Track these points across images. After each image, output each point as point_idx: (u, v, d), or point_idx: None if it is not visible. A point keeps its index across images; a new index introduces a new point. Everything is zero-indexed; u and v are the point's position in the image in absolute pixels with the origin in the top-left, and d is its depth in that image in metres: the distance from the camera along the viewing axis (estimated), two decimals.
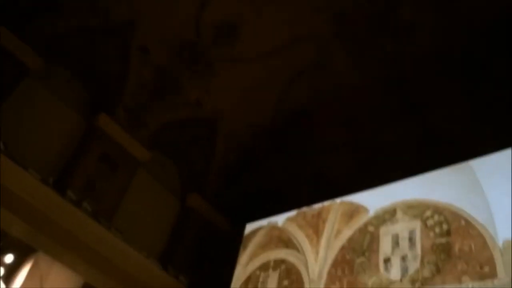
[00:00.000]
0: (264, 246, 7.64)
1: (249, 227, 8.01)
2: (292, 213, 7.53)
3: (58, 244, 6.70)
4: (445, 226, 5.48)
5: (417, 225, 5.81)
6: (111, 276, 7.34)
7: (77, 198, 7.09)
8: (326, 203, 7.15)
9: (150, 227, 8.47)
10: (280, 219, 7.66)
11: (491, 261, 4.86)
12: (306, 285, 6.53)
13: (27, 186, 6.50)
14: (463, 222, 5.32)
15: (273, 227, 7.65)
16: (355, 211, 6.67)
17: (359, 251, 6.21)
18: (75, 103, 8.13)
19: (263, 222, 7.86)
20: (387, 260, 5.84)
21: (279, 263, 7.18)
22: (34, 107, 7.48)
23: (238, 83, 8.47)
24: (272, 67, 8.11)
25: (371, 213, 6.44)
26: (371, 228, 6.31)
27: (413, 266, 5.50)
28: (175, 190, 9.28)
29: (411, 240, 5.74)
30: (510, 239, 4.84)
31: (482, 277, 4.82)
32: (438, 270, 5.23)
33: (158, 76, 8.41)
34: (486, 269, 4.84)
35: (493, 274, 4.77)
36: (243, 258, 7.78)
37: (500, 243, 4.90)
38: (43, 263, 6.43)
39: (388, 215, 6.22)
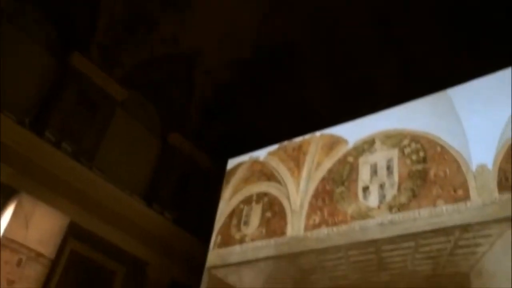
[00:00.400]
0: (247, 181, 7.76)
1: (231, 163, 8.09)
2: (273, 147, 7.60)
3: (40, 185, 6.71)
4: (421, 154, 5.62)
5: (394, 154, 5.94)
6: (97, 214, 7.46)
7: (55, 139, 7.01)
8: (307, 136, 7.22)
9: (132, 166, 8.50)
10: (261, 154, 7.74)
11: (464, 185, 5.06)
12: (288, 215, 6.73)
13: (3, 128, 6.38)
14: (439, 149, 5.47)
15: (255, 161, 7.74)
16: (335, 143, 6.77)
17: (339, 181, 6.37)
18: (47, 42, 7.80)
19: (245, 157, 7.93)
20: (365, 189, 6.01)
21: (261, 196, 7.33)
22: (4, 48, 7.16)
23: (216, 17, 8.21)
24: None
25: (351, 144, 6.55)
26: (350, 159, 6.43)
27: (391, 193, 5.69)
28: (155, 130, 9.24)
29: (389, 168, 5.90)
30: (483, 164, 5.02)
31: (455, 200, 5.03)
32: (414, 196, 5.43)
33: (131, 11, 8.07)
34: (460, 192, 5.04)
35: (466, 197, 4.98)
36: (226, 193, 7.91)
37: (473, 167, 5.08)
38: (26, 203, 6.46)
39: (367, 146, 6.34)
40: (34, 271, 6.31)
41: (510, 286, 4.22)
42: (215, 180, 8.38)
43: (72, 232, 7.10)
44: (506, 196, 4.68)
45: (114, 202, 7.68)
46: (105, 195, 7.56)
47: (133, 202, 7.96)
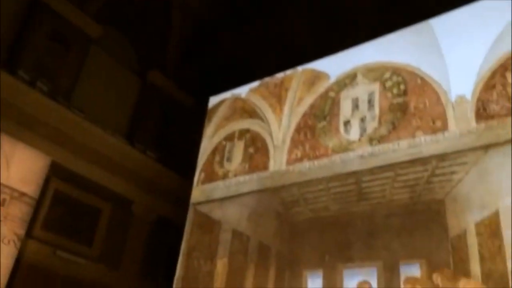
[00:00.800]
0: (229, 118, 7.75)
1: (213, 100, 8.01)
2: (255, 84, 7.52)
3: (18, 125, 6.60)
4: (402, 86, 5.65)
5: (376, 87, 5.96)
6: (79, 154, 7.43)
7: (30, 78, 6.80)
8: (288, 72, 7.14)
9: (112, 105, 8.37)
10: (243, 91, 7.67)
11: (443, 116, 5.14)
12: (271, 151, 6.80)
13: None
14: (419, 81, 5.49)
15: (237, 98, 7.68)
16: (316, 78, 6.73)
17: (321, 116, 6.41)
18: None
19: (227, 94, 7.85)
20: (346, 123, 6.07)
21: (244, 132, 7.36)
22: None
23: None
24: None
25: (332, 79, 6.52)
26: (332, 94, 6.43)
27: (371, 126, 5.76)
28: (133, 68, 9.01)
29: (370, 102, 5.93)
30: (462, 95, 5.09)
31: (434, 131, 5.13)
32: (394, 128, 5.52)
33: None
34: (438, 123, 5.13)
35: (444, 128, 5.08)
36: (208, 130, 7.90)
37: (452, 98, 5.14)
38: (6, 144, 6.37)
39: (348, 80, 6.32)
40: (19, 210, 6.35)
41: (482, 211, 4.44)
42: (197, 118, 8.33)
43: (55, 172, 7.09)
44: (483, 125, 4.79)
45: (96, 142, 7.63)
46: (87, 135, 7.50)
47: (115, 141, 7.93)
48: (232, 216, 6.71)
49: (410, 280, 4.72)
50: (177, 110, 9.30)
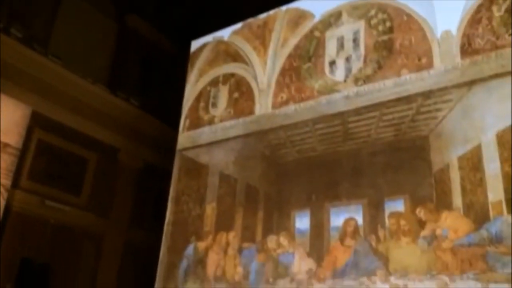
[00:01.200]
0: (212, 62, 7.60)
1: (195, 45, 7.82)
2: (238, 26, 7.33)
3: None
4: (388, 24, 5.56)
5: (361, 25, 5.85)
6: (61, 103, 7.28)
7: (3, 25, 6.51)
8: (271, 12, 6.95)
9: (90, 52, 8.11)
10: (225, 33, 7.47)
11: (428, 53, 5.11)
12: (256, 95, 6.74)
13: None
14: (405, 17, 5.40)
15: (219, 41, 7.50)
16: (301, 17, 6.57)
17: (306, 57, 6.32)
18: None
19: (208, 38, 7.65)
20: (332, 63, 6.01)
21: (228, 77, 7.25)
22: None
23: None
24: None
25: (317, 18, 6.37)
26: (317, 33, 6.31)
27: (357, 65, 5.72)
28: (109, 12, 8.65)
29: (355, 41, 5.84)
30: (448, 30, 5.03)
31: (419, 68, 5.11)
32: (379, 67, 5.48)
33: None
34: (424, 60, 5.11)
35: (429, 65, 5.06)
36: (191, 76, 7.77)
37: (438, 35, 5.09)
38: None
39: (333, 19, 6.19)
40: (3, 161, 6.29)
41: (465, 145, 4.53)
42: (180, 63, 8.16)
43: (37, 122, 6.97)
44: (468, 61, 4.78)
45: (77, 90, 7.47)
46: (66, 83, 7.32)
47: (96, 89, 7.77)
48: (219, 160, 6.75)
49: (394, 215, 4.87)
50: (158, 56, 9.08)
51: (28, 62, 6.74)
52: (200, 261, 6.27)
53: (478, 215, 4.24)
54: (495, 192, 4.19)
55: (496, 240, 4.04)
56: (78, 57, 7.78)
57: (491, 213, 4.17)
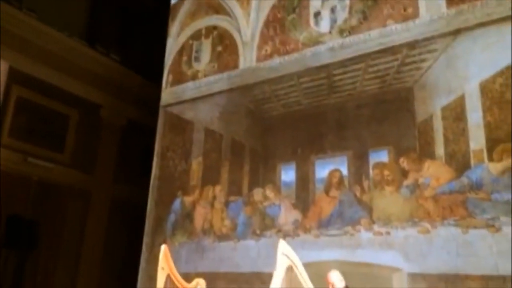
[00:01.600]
0: (194, 15, 7.40)
1: None
2: None
3: None
4: None
5: None
6: (37, 58, 7.05)
7: None
8: None
9: (66, 4, 7.78)
10: None
11: (414, 3, 5.05)
12: (240, 48, 6.63)
13: None
14: None
15: None
16: None
17: (290, 8, 6.19)
18: None
19: None
20: (317, 14, 5.90)
21: (211, 30, 7.09)
22: None
23: None
24: None
25: None
26: None
27: (342, 16, 5.63)
28: None
29: None
30: None
31: (405, 18, 5.06)
32: (365, 18, 5.41)
33: None
34: (410, 10, 5.05)
35: (415, 15, 5.02)
36: (173, 29, 7.57)
37: None
38: None
39: None
40: None
41: (449, 95, 4.57)
42: (161, 16, 7.92)
43: (15, 79, 6.77)
44: (453, 10, 4.74)
45: (53, 45, 7.22)
46: (43, 37, 7.06)
47: (74, 44, 7.52)
48: (204, 115, 6.71)
49: (378, 165, 4.97)
50: (139, 9, 8.76)
51: (2, 16, 6.45)
52: (188, 215, 6.36)
53: (460, 163, 4.36)
54: (476, 140, 4.29)
55: (476, 186, 4.17)
56: (52, 9, 7.47)
57: (472, 161, 4.28)
